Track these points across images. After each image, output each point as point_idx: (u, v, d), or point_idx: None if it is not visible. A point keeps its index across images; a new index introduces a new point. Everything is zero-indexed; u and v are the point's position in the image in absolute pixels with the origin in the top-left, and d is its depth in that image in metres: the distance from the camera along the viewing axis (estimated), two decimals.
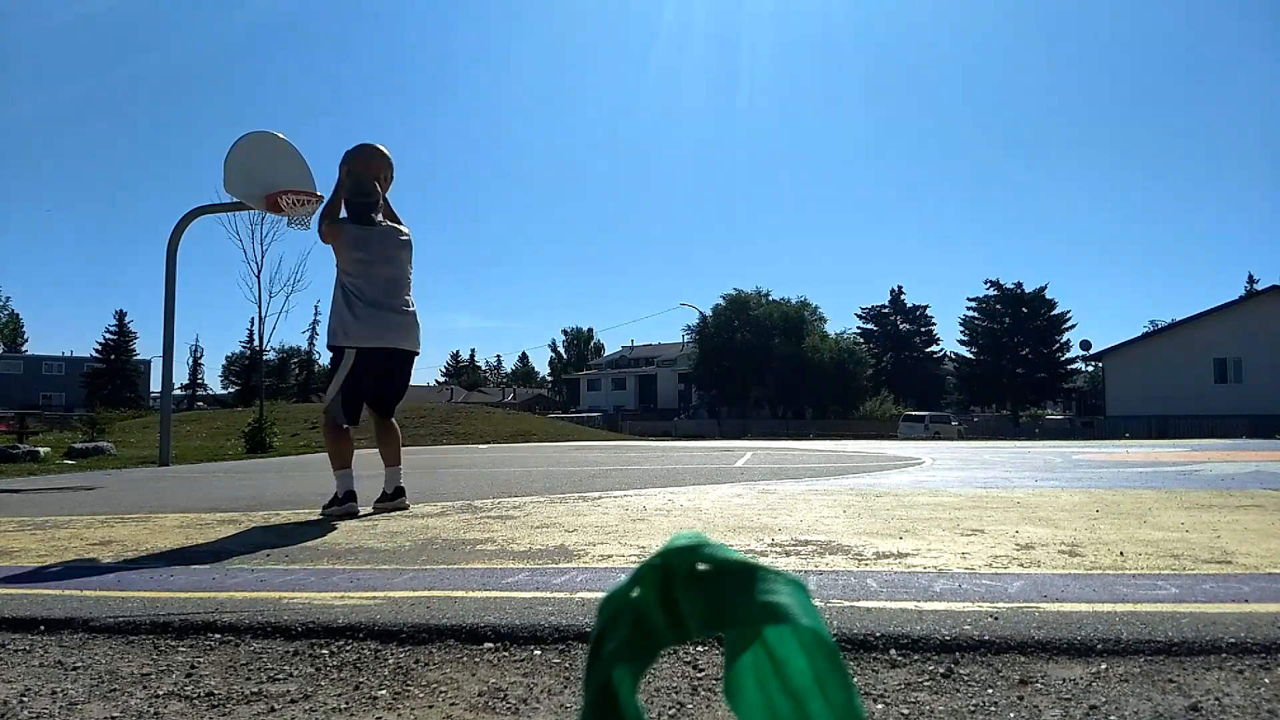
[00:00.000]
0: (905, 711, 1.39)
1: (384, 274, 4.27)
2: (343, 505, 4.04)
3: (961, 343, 55.87)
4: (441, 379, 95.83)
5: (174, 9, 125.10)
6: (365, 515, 4.05)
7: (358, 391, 4.25)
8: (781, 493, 4.93)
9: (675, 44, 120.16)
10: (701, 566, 0.37)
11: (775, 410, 53.70)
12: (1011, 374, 51.87)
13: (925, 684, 1.51)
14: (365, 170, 4.36)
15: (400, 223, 4.51)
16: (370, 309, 4.20)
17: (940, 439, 29.12)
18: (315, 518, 4.03)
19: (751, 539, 3.08)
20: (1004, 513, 3.77)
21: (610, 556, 2.74)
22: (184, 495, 5.64)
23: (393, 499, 4.32)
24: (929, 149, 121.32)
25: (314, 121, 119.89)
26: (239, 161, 9.33)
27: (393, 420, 4.44)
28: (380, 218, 4.37)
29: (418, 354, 4.46)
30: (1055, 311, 52.49)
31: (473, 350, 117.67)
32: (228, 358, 75.24)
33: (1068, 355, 52.36)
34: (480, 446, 15.11)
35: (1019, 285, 53.06)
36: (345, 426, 4.25)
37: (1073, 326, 52.96)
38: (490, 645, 1.79)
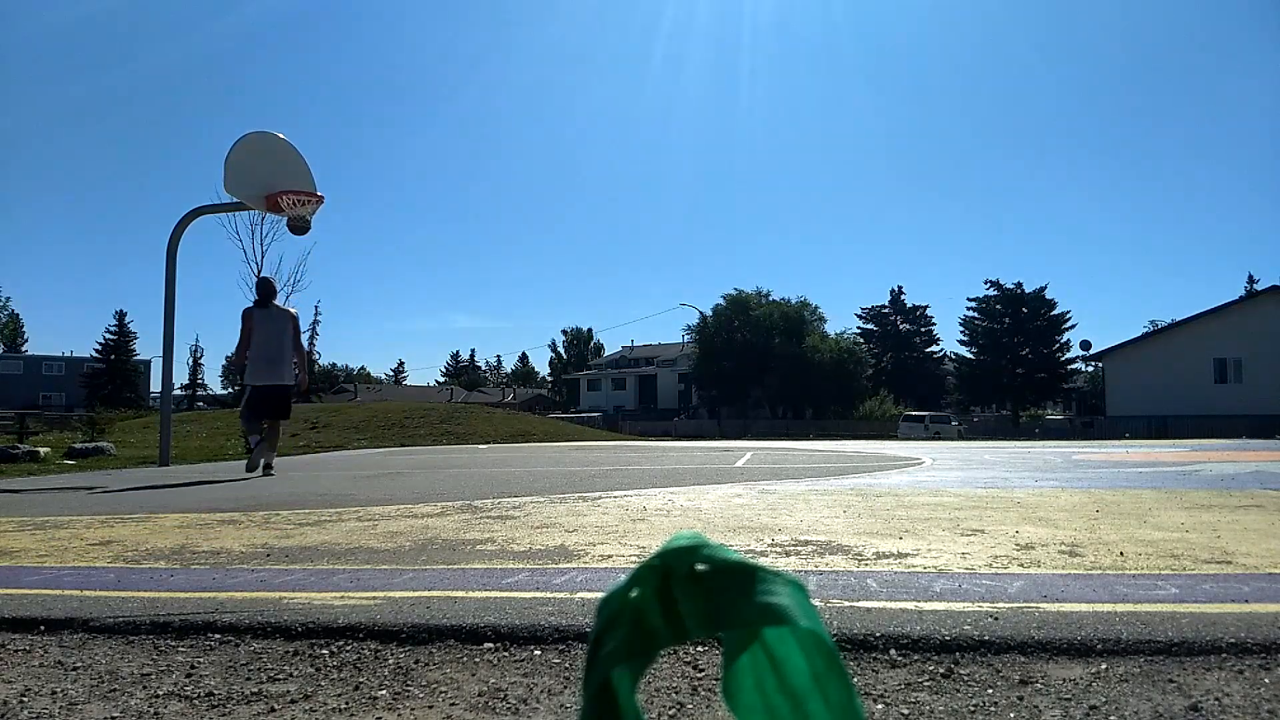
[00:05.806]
0: (905, 711, 1.39)
1: (272, 338, 7.55)
2: (251, 445, 7.51)
3: (961, 343, 55.79)
4: (441, 379, 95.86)
5: (174, 9, 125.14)
6: (360, 515, 4.06)
7: (254, 407, 7.53)
8: (781, 493, 4.93)
9: (676, 43, 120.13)
10: (700, 567, 0.37)
11: (775, 410, 53.68)
12: (1011, 374, 51.79)
13: (925, 684, 1.51)
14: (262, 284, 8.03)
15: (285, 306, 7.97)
16: (261, 361, 7.49)
17: (940, 439, 29.09)
18: (315, 518, 4.04)
19: (751, 539, 3.08)
20: (1004, 513, 3.77)
21: (610, 556, 2.74)
22: (184, 495, 5.63)
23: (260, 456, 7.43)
24: (929, 149, 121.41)
25: (314, 121, 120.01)
26: (239, 161, 9.33)
27: (278, 423, 7.73)
28: (273, 303, 7.80)
29: (291, 385, 7.72)
30: (1055, 311, 52.40)
31: (473, 350, 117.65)
32: (228, 358, 75.23)
33: (1068, 355, 52.25)
34: (480, 446, 15.10)
35: (1019, 285, 52.99)
36: (250, 428, 7.64)
37: (1073, 326, 52.87)
38: (490, 645, 1.79)
